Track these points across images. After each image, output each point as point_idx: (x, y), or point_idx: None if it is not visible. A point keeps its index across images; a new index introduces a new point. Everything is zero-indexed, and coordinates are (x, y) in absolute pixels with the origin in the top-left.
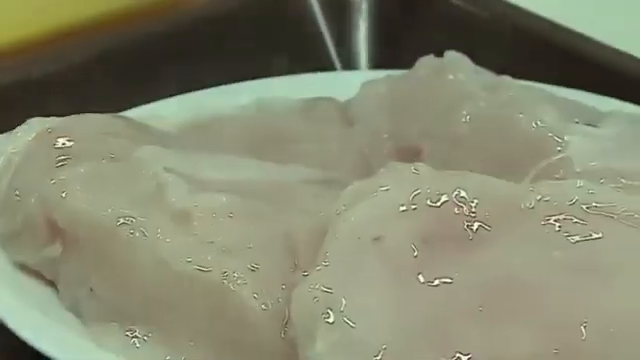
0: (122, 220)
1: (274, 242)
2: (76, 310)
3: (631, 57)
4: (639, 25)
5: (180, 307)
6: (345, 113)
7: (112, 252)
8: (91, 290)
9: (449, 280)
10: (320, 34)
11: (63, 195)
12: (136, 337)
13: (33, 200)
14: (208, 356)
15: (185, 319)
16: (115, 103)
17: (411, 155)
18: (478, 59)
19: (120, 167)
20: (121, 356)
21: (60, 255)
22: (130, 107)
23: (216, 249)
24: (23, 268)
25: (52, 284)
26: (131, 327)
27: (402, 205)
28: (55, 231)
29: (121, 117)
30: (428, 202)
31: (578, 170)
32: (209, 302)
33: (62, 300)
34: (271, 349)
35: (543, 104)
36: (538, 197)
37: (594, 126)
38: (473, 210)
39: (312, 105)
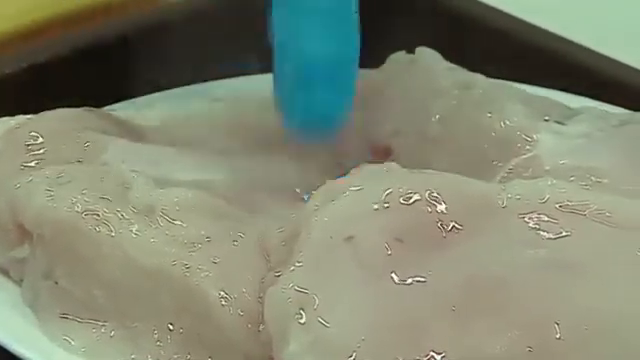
0: (87, 215)
1: (242, 238)
2: (35, 307)
3: (603, 56)
4: (613, 25)
5: (145, 302)
6: None
7: (77, 247)
8: (56, 283)
9: (422, 279)
10: None
11: (28, 198)
12: (102, 333)
13: (1, 202)
14: (174, 352)
15: (151, 314)
16: (86, 102)
17: (383, 153)
18: (451, 57)
19: (86, 168)
20: (86, 353)
21: (27, 255)
22: (102, 106)
23: (180, 243)
24: None
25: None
26: (96, 323)
27: (375, 204)
28: (23, 233)
29: (93, 110)
30: (400, 201)
31: (547, 168)
32: (173, 296)
33: (23, 296)
34: (237, 345)
35: (513, 102)
36: (510, 195)
37: (564, 124)
38: (445, 209)
39: None
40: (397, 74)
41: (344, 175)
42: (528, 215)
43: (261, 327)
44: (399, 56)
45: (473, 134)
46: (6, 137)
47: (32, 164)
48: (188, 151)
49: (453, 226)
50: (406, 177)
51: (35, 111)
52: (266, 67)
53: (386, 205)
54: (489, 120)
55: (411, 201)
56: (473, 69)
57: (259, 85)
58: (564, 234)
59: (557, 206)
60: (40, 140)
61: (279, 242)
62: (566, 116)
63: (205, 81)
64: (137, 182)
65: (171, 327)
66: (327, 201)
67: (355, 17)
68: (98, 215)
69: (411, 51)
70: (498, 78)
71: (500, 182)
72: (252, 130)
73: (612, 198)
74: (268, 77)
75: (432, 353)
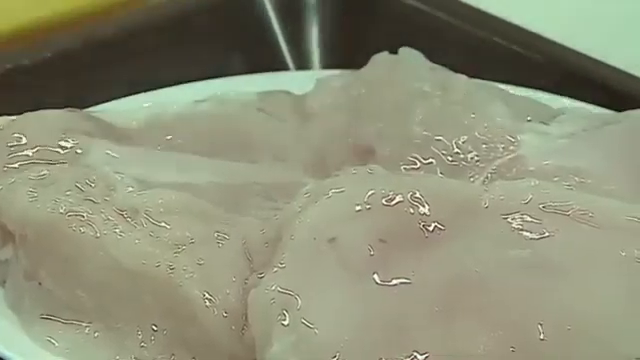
0: (70, 216)
1: (226, 240)
2: (18, 308)
3: (583, 55)
4: (590, 23)
5: (129, 303)
6: (300, 107)
7: (61, 248)
8: (39, 284)
9: (405, 279)
10: (273, 34)
11: (11, 199)
12: (85, 334)
13: None
14: (158, 353)
15: (135, 315)
16: (69, 104)
17: (366, 154)
18: (432, 58)
19: (69, 169)
20: (70, 354)
21: (10, 256)
22: (84, 108)
23: (164, 244)
24: None
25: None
26: (80, 324)
27: (357, 205)
28: (6, 234)
29: (77, 112)
30: (383, 202)
31: (532, 169)
32: (157, 297)
33: (6, 297)
34: (221, 346)
35: (496, 103)
36: (492, 196)
37: (547, 124)
38: (428, 210)
39: (268, 99)
40: (380, 75)
41: (327, 177)
42: (511, 216)
43: (245, 328)
44: (382, 57)
45: (456, 135)
46: None
47: (15, 165)
48: (172, 152)
49: (436, 227)
50: (389, 179)
51: (19, 112)
52: (250, 68)
53: (369, 207)
54: (472, 121)
55: (394, 202)
56: (455, 70)
57: (243, 86)
58: (547, 235)
59: (540, 207)
60: (24, 141)
61: (262, 243)
62: (549, 116)
63: (189, 82)
64: (121, 184)
65: (155, 328)
66: (310, 203)
67: None
68: (82, 216)
69: (394, 51)
70: (480, 78)
71: (483, 183)
72: (236, 131)
73: (595, 198)
74: (252, 78)
75: (415, 353)
